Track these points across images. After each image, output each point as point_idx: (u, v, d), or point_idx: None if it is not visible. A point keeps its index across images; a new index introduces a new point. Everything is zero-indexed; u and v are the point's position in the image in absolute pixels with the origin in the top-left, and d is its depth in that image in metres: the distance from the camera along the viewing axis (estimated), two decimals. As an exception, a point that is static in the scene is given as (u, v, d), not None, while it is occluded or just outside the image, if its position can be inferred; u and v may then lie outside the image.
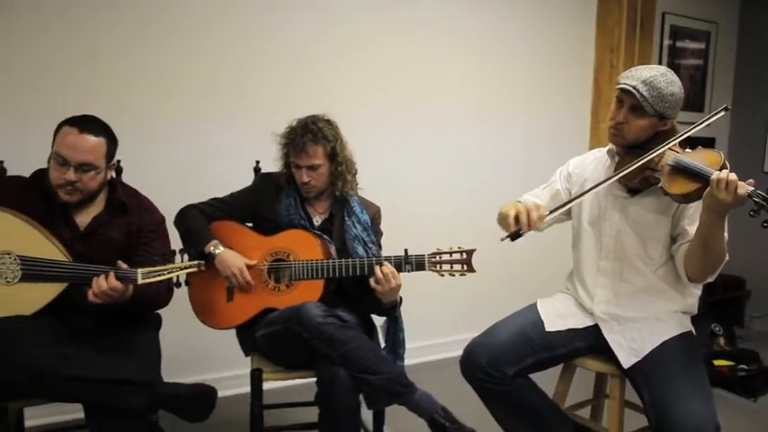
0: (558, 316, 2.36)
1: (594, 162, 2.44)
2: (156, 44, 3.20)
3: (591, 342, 2.32)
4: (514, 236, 2.13)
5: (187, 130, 3.29)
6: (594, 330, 2.31)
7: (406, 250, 2.44)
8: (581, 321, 2.34)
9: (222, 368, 3.27)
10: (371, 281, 2.41)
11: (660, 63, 4.63)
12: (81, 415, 2.10)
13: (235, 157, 3.05)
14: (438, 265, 2.44)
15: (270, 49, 3.46)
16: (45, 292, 2.15)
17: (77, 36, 3.04)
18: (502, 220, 2.33)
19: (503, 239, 2.15)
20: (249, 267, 2.50)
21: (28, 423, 2.60)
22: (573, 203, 2.25)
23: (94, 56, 3.07)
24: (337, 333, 2.28)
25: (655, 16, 4.66)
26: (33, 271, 2.14)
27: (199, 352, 3.13)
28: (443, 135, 4.05)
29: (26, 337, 2.03)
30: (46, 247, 2.16)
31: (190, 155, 3.29)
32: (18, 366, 1.99)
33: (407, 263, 2.43)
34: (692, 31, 4.98)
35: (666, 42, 4.85)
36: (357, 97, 3.69)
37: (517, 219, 2.12)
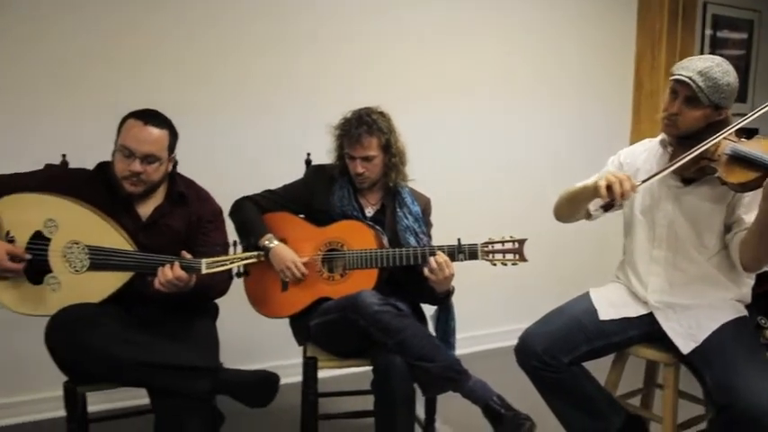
0: (611, 305, 2.37)
1: (646, 152, 2.45)
2: (215, 41, 3.28)
3: (645, 330, 2.33)
4: (607, 207, 2.14)
5: (240, 123, 3.36)
6: (648, 318, 2.32)
7: (459, 239, 2.47)
8: (634, 310, 2.35)
9: (275, 357, 3.32)
10: (425, 270, 2.44)
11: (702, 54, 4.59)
12: (141, 401, 2.16)
13: (286, 149, 3.09)
14: (491, 255, 2.46)
15: (322, 42, 3.51)
16: (112, 281, 2.22)
17: (142, 33, 3.13)
18: (571, 198, 2.37)
19: (594, 212, 2.16)
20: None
21: (91, 408, 2.67)
22: (661, 175, 2.20)
23: (157, 53, 3.16)
24: (394, 321, 2.32)
25: (696, 5, 4.62)
26: (101, 260, 2.21)
27: (253, 341, 3.19)
28: (490, 126, 4.07)
29: (97, 324, 2.10)
30: (112, 237, 2.22)
31: (243, 148, 3.36)
32: (90, 352, 2.07)
33: (460, 252, 2.46)
34: (734, 20, 4.93)
35: (708, 32, 4.80)
36: (408, 88, 3.72)
37: (609, 189, 2.12)
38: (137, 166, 2.25)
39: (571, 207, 2.41)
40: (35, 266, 2.22)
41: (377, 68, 3.65)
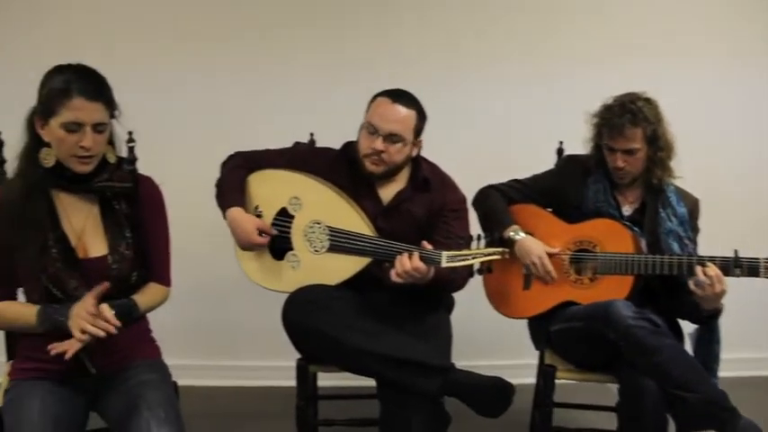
0: None
1: None
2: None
3: None
4: None
5: (484, 109, 3.18)
6: None
7: (735, 251, 2.11)
8: None
9: (506, 355, 3.14)
10: (690, 283, 2.12)
11: None
12: (373, 383, 2.11)
13: (536, 138, 2.87)
14: (777, 273, 2.07)
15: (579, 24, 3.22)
16: (350, 265, 2.17)
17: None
18: None
19: None
20: (550, 256, 2.33)
21: (321, 383, 2.70)
22: None
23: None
24: (649, 338, 2.03)
25: None
26: (340, 243, 2.17)
27: (483, 336, 3.04)
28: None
29: (328, 309, 2.06)
30: (354, 221, 2.17)
31: (488, 135, 3.18)
32: (318, 336, 2.04)
33: (737, 266, 2.10)
34: None
35: None
36: (675, 65, 3.26)
37: None
38: (379, 144, 2.18)
39: None
40: (278, 242, 2.24)
41: (641, 51, 3.25)
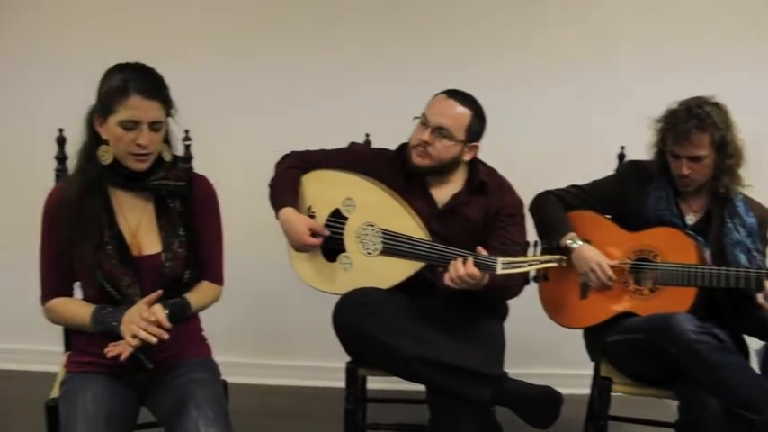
0: None
1: None
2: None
3: None
4: None
5: (545, 110, 3.10)
6: None
7: (809, 266, 2.01)
8: None
9: (557, 363, 3.07)
10: (759, 297, 2.03)
11: None
12: (422, 387, 2.07)
13: (595, 142, 2.80)
14: None
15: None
16: (402, 269, 2.13)
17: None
18: None
19: None
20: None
21: (370, 386, 2.68)
22: None
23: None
24: (713, 354, 1.95)
25: None
26: (393, 246, 2.14)
27: (535, 343, 2.97)
28: None
29: (379, 313, 2.03)
30: (407, 224, 2.14)
31: (546, 138, 3.10)
32: (367, 340, 2.01)
33: (810, 282, 2.00)
34: None
35: None
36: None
37: None
38: (427, 135, 2.16)
39: None
40: (331, 244, 2.22)
41: (710, 55, 3.10)
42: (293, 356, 3.23)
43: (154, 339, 1.64)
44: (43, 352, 2.78)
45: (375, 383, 2.70)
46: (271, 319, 3.18)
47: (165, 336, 1.66)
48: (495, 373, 1.98)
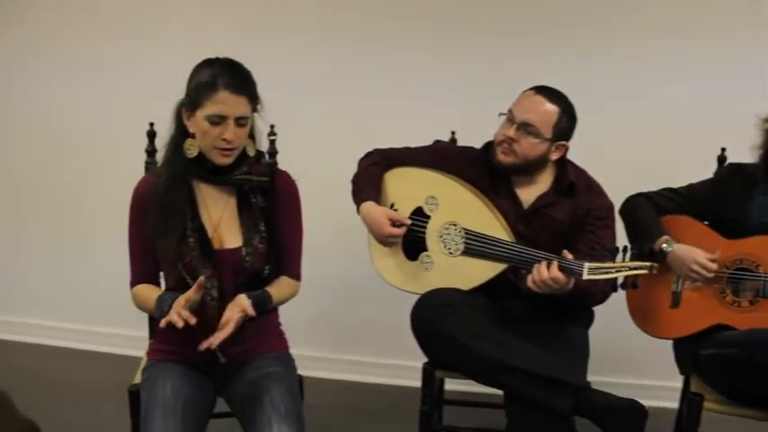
0: None
1: None
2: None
3: None
4: None
5: (637, 110, 2.96)
6: None
7: None
8: None
9: (641, 375, 2.95)
10: None
11: None
12: (500, 392, 2.02)
13: (692, 142, 2.65)
14: None
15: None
16: (484, 270, 2.08)
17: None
18: None
19: None
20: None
21: (448, 387, 2.64)
22: None
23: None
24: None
25: None
26: (475, 247, 2.09)
27: (618, 353, 2.86)
28: None
29: (465, 314, 1.99)
30: (491, 224, 2.09)
31: (641, 139, 2.95)
32: (446, 342, 1.98)
33: None
34: None
35: None
36: None
37: None
38: (511, 131, 2.10)
39: None
40: (412, 243, 2.19)
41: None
42: (370, 353, 3.22)
43: (180, 322, 1.64)
44: (133, 337, 2.88)
45: (453, 385, 2.66)
46: (349, 314, 3.18)
47: (192, 320, 1.66)
48: (578, 382, 1.91)
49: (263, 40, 3.00)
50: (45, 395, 2.80)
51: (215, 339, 1.71)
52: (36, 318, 3.43)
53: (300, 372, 1.96)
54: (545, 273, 1.92)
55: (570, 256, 1.95)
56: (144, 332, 2.20)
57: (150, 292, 1.85)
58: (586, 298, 2.09)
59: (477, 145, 2.29)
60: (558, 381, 1.89)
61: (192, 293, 1.70)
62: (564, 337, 2.08)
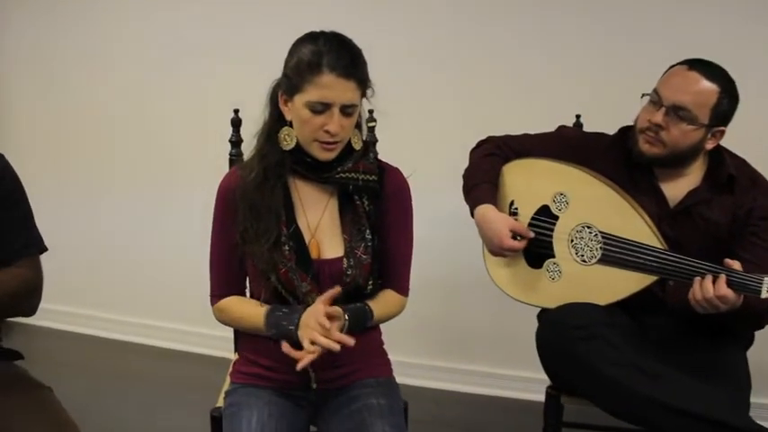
0: None
1: None
2: None
3: None
4: None
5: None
6: None
7: None
8: None
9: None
10: None
11: None
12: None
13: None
14: None
15: None
16: (627, 283, 1.76)
17: None
18: None
19: None
20: None
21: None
22: None
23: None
24: None
25: None
26: (616, 254, 1.77)
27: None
28: None
29: (608, 339, 1.67)
30: (634, 226, 1.76)
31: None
32: (595, 372, 1.65)
33: None
34: None
35: None
36: None
37: None
38: (659, 117, 1.75)
39: None
40: (536, 247, 1.88)
41: None
42: (476, 362, 2.94)
43: (336, 347, 1.40)
44: (218, 338, 2.67)
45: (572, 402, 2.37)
46: (454, 320, 2.91)
47: (350, 342, 1.42)
48: (747, 426, 1.57)
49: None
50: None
51: (302, 357, 1.42)
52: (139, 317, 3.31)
53: (403, 380, 1.74)
54: (709, 289, 1.59)
55: (737, 266, 1.61)
56: (228, 332, 1.93)
57: (250, 306, 1.60)
58: (756, 319, 1.74)
59: (607, 130, 1.98)
60: (725, 425, 1.55)
61: (327, 309, 1.45)
62: (722, 363, 1.75)
